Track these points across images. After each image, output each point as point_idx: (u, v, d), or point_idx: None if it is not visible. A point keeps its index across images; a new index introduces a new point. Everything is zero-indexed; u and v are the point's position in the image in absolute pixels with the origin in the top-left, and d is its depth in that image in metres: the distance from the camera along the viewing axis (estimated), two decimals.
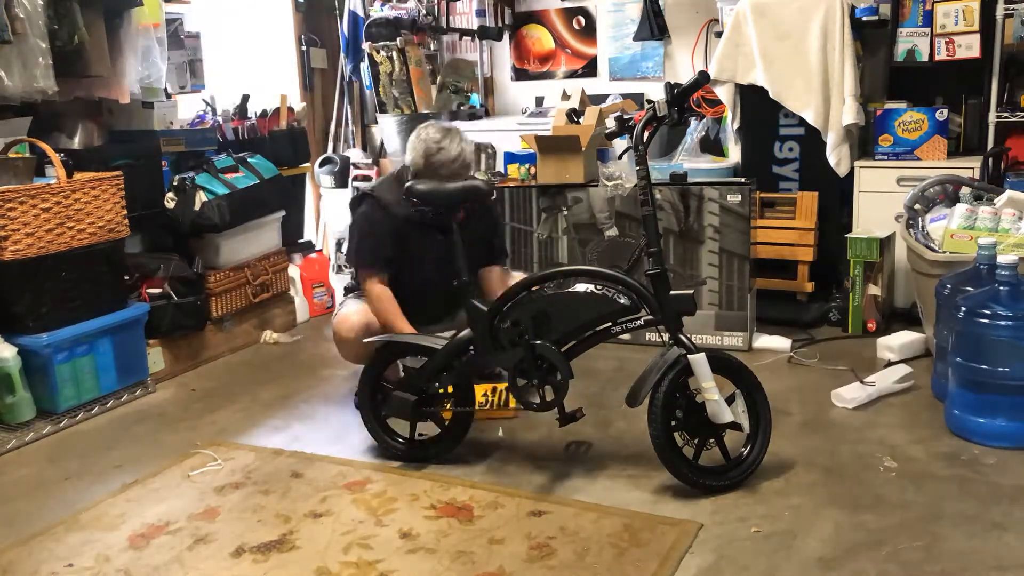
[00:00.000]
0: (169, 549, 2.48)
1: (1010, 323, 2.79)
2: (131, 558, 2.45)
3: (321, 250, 5.47)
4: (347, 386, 3.74)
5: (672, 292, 2.65)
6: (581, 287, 2.79)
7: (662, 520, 2.49)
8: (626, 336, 3.01)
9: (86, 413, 3.50)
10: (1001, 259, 2.86)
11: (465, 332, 2.84)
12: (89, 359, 3.52)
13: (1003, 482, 2.64)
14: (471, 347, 2.83)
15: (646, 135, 2.71)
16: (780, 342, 3.92)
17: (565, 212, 4.11)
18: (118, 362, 3.63)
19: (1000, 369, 2.82)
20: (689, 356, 2.60)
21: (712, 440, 2.70)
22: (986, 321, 2.82)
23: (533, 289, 2.80)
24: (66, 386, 3.43)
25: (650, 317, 2.69)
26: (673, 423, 2.65)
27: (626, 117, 2.85)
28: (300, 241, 5.05)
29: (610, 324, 2.74)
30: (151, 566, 2.40)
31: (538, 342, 2.72)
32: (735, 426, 2.67)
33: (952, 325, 2.93)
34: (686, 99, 2.74)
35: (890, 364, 3.57)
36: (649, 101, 3.12)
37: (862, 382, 3.33)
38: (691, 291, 2.75)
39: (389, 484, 2.81)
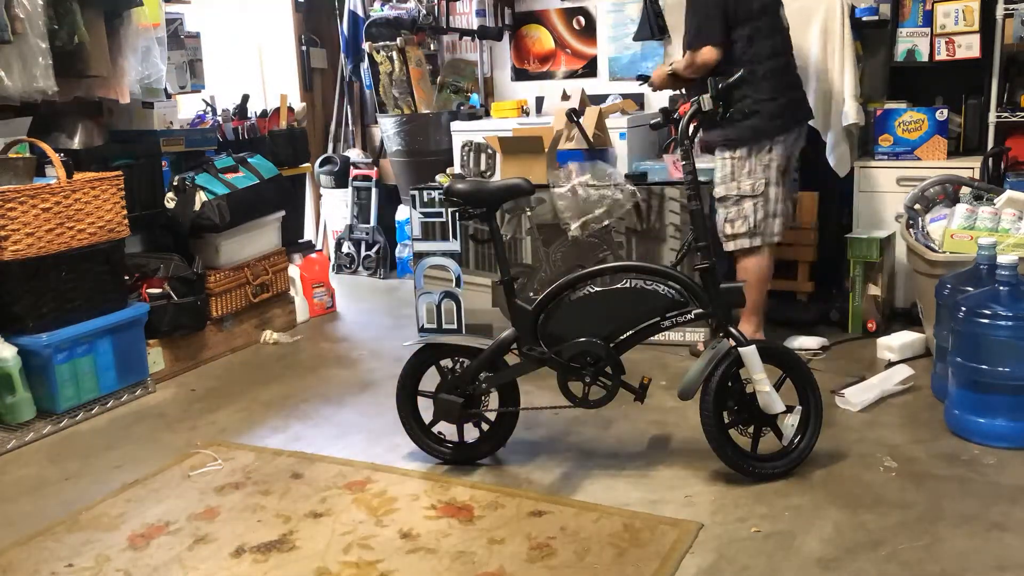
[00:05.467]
0: (169, 549, 2.48)
1: (1010, 323, 2.79)
2: (131, 558, 2.45)
3: (321, 250, 5.47)
4: (347, 386, 3.74)
5: (722, 285, 2.68)
6: (623, 283, 2.80)
7: (662, 520, 2.49)
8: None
9: (86, 413, 3.50)
10: (1001, 259, 2.85)
11: (509, 331, 2.83)
12: (89, 359, 3.52)
13: (1003, 482, 2.64)
14: (515, 346, 2.83)
15: (691, 129, 2.75)
16: (811, 342, 3.89)
17: (528, 212, 4.09)
18: (118, 362, 3.63)
19: (1000, 369, 2.82)
20: (740, 348, 2.62)
21: (766, 428, 2.74)
22: (986, 321, 2.82)
23: (577, 286, 2.81)
24: (66, 386, 3.43)
25: (700, 311, 2.71)
26: (725, 414, 2.69)
27: (671, 109, 2.91)
28: (300, 241, 5.05)
29: (658, 319, 2.74)
30: (151, 566, 2.40)
31: (583, 339, 2.73)
32: (776, 432, 2.72)
33: (952, 325, 2.93)
34: (730, 94, 2.78)
35: (890, 364, 3.57)
36: (663, 109, 3.20)
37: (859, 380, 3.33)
38: (741, 283, 2.77)
39: (389, 484, 2.81)
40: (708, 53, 3.48)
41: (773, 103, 3.51)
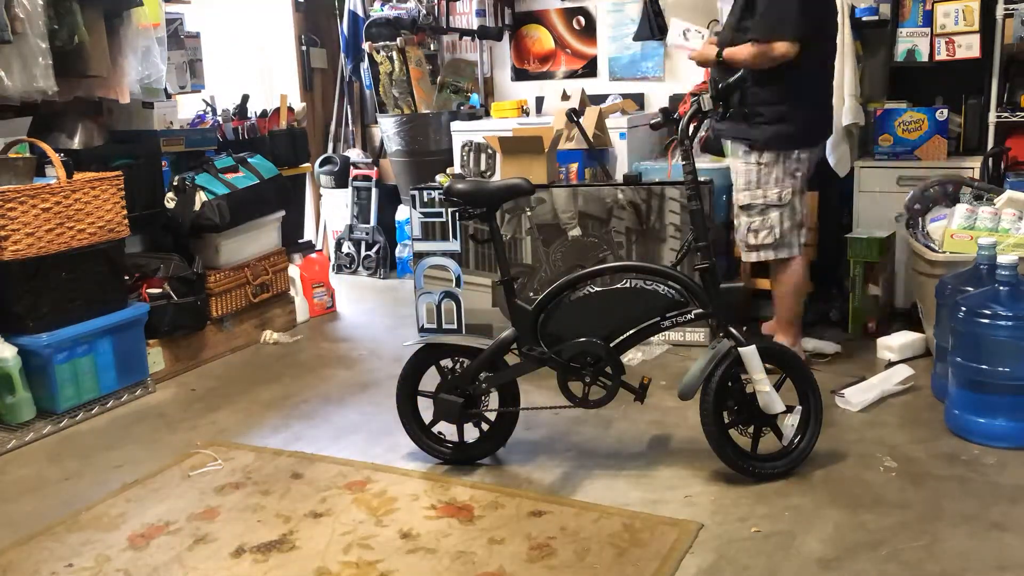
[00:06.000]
0: (169, 549, 2.48)
1: (1010, 323, 2.79)
2: (131, 558, 2.45)
3: (321, 250, 5.47)
4: (347, 386, 3.74)
5: (722, 285, 2.68)
6: (623, 283, 2.80)
7: (662, 520, 2.49)
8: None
9: (86, 413, 3.50)
10: (1001, 259, 2.85)
11: (509, 331, 2.83)
12: (89, 359, 3.52)
13: (1003, 482, 2.64)
14: (515, 346, 2.83)
15: (691, 129, 2.75)
16: (827, 347, 3.85)
17: (528, 212, 4.10)
18: (118, 362, 3.63)
19: (1000, 369, 2.82)
20: (740, 349, 2.63)
21: (766, 428, 2.74)
22: (986, 321, 2.82)
23: (577, 286, 2.81)
24: (66, 386, 3.43)
25: (700, 311, 2.71)
26: (725, 414, 2.69)
27: (670, 109, 2.91)
28: (300, 241, 5.05)
29: (658, 319, 2.75)
30: (151, 566, 2.40)
31: (583, 339, 2.74)
32: (776, 432, 2.72)
33: (952, 325, 2.93)
34: (731, 94, 2.78)
35: (890, 364, 3.57)
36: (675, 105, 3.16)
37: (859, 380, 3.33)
38: (741, 283, 2.77)
39: (389, 484, 2.81)
40: (787, 48, 3.18)
41: (809, 112, 3.36)
